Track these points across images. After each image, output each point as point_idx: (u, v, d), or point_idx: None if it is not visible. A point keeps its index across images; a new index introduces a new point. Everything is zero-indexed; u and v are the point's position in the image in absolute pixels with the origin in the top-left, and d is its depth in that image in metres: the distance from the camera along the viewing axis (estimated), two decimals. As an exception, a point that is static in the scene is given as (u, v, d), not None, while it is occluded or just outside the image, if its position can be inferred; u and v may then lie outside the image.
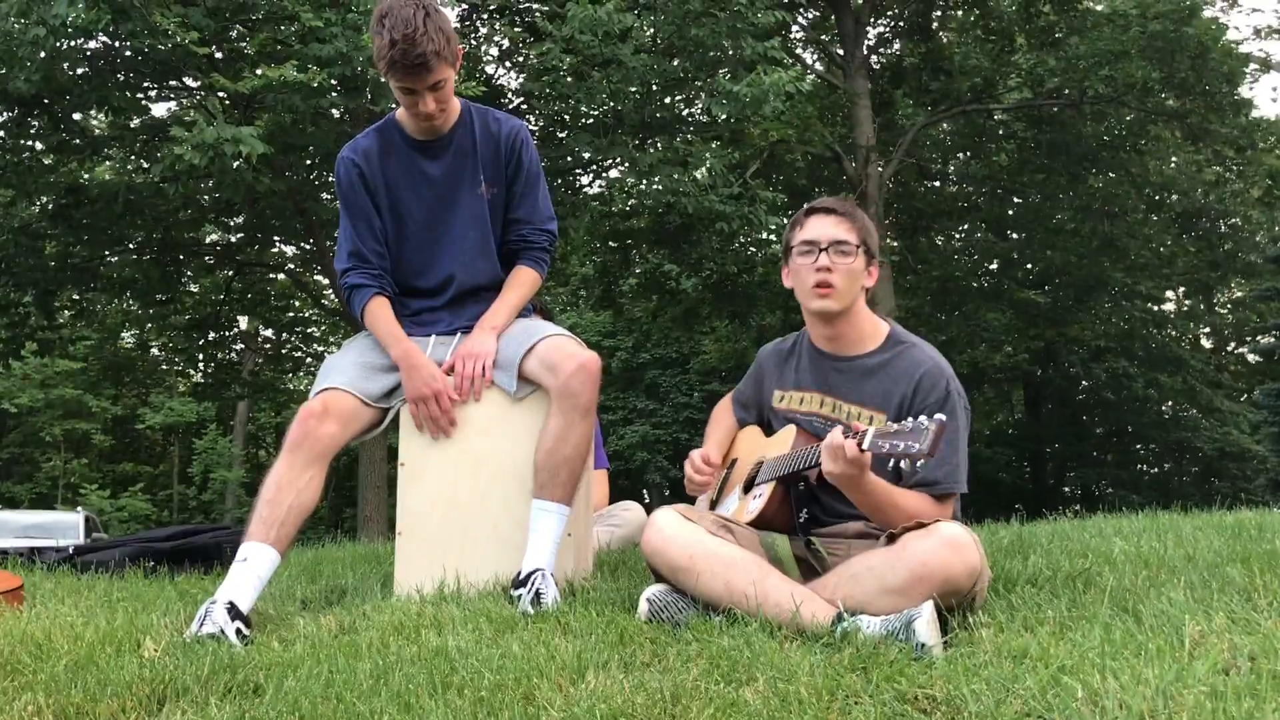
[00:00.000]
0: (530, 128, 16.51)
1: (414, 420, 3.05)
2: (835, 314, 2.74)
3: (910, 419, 2.29)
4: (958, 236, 27.24)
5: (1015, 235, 26.53)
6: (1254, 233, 26.36)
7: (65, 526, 16.30)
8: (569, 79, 13.85)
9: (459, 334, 3.17)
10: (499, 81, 16.62)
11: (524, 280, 3.22)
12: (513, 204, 3.21)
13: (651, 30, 14.21)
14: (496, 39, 16.42)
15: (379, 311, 3.11)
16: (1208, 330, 33.77)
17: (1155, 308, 28.56)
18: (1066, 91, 19.95)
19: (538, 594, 2.67)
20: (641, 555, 2.65)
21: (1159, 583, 2.55)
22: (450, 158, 3.13)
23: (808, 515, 2.73)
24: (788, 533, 2.71)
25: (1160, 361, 26.52)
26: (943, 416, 2.23)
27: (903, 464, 2.25)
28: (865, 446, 2.33)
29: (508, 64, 16.84)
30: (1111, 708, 1.60)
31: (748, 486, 2.83)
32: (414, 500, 3.06)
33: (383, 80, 13.99)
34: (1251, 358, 33.89)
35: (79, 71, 13.28)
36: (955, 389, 2.66)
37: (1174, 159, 23.60)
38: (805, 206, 2.82)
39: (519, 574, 2.80)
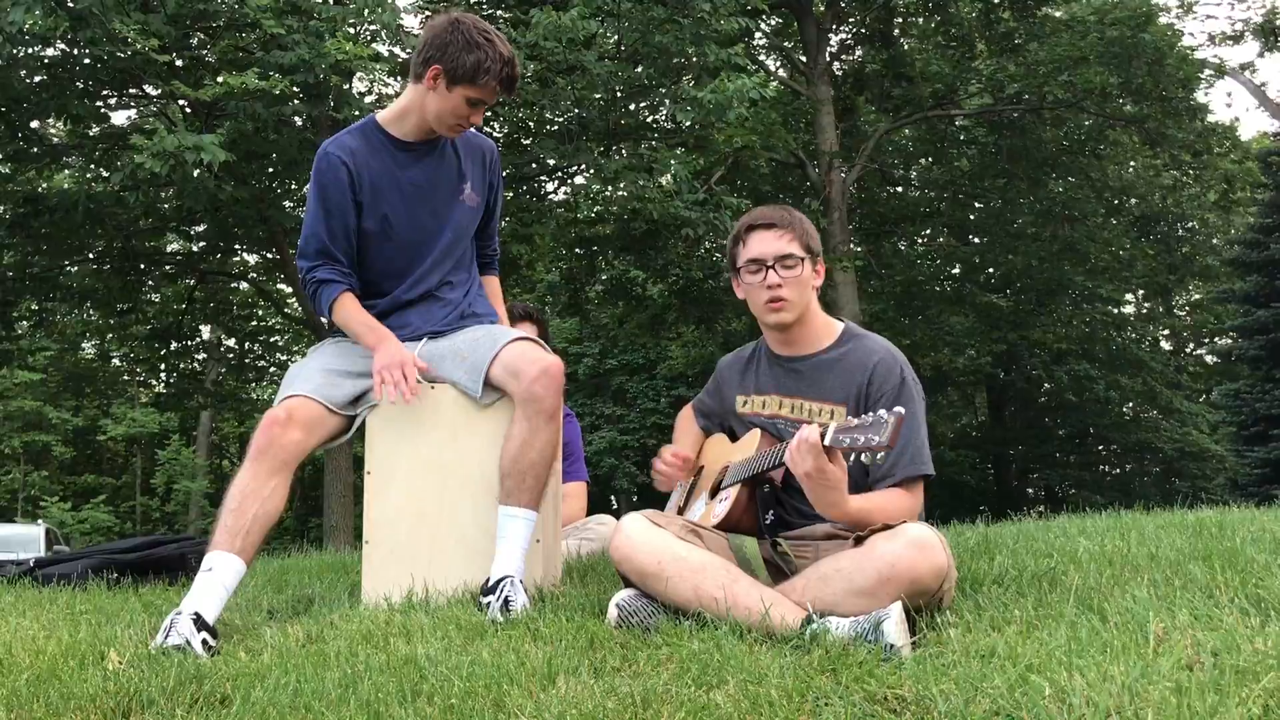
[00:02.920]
0: (495, 134, 16.50)
1: (376, 391, 2.99)
2: (791, 323, 2.79)
3: (869, 414, 2.32)
4: (920, 241, 27.43)
5: (977, 240, 26.75)
6: (1210, 235, 26.76)
7: (26, 540, 16.08)
8: (534, 85, 13.83)
9: (425, 339, 3.16)
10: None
11: (499, 291, 3.49)
12: (490, 220, 3.37)
13: (615, 37, 14.23)
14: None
15: (349, 306, 3.10)
16: (1167, 332, 34.20)
17: (1115, 310, 28.88)
18: (1026, 97, 20.14)
19: (506, 601, 2.66)
20: (610, 561, 2.65)
21: (1123, 581, 2.58)
22: (435, 162, 3.16)
23: (774, 517, 2.75)
24: (755, 535, 2.73)
25: (1121, 363, 26.80)
26: (900, 410, 2.26)
27: (864, 457, 2.28)
28: (828, 442, 2.35)
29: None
30: (1078, 705, 1.62)
31: (714, 491, 2.84)
32: (381, 508, 3.04)
33: (360, 80, 13.93)
34: (1210, 359, 34.33)
35: (36, 79, 13.11)
36: (909, 376, 2.73)
37: (1132, 163, 23.90)
38: (744, 222, 2.87)
39: (488, 581, 2.79)
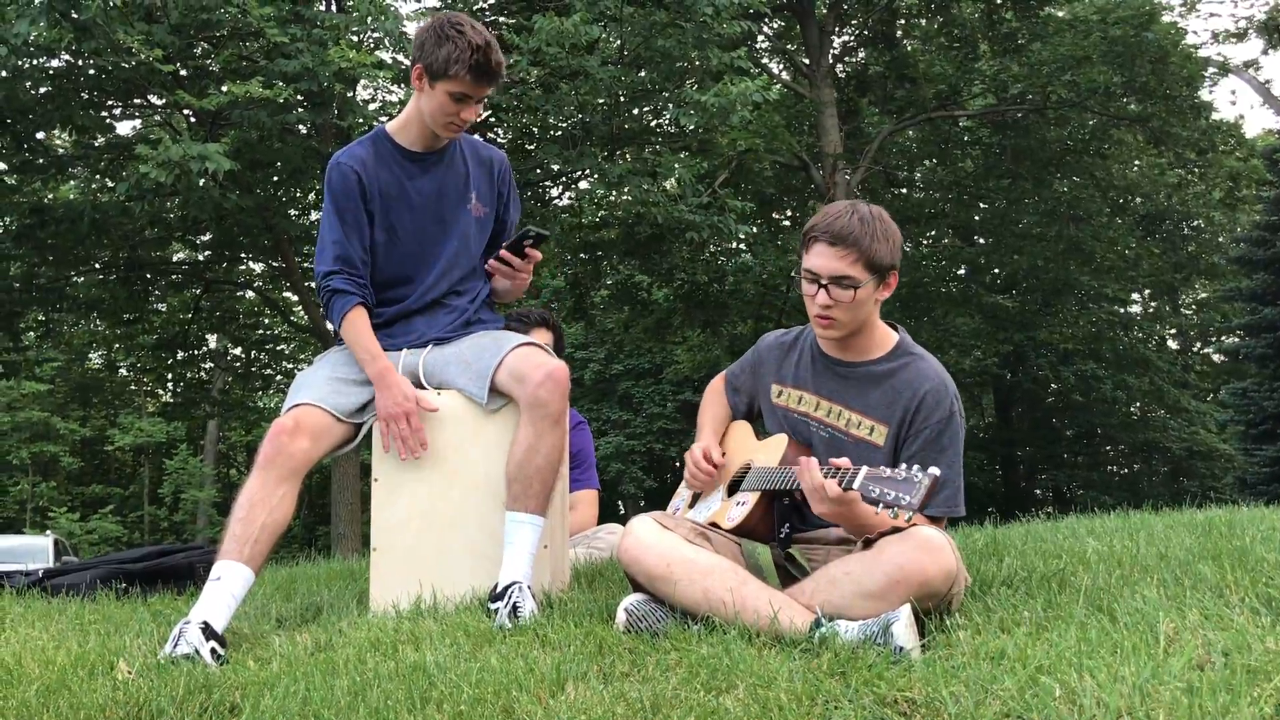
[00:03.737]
0: (499, 140, 16.51)
1: (383, 441, 3.03)
2: (838, 339, 2.70)
3: (905, 466, 2.25)
4: (925, 242, 27.40)
5: (982, 240, 26.73)
6: (1216, 234, 26.69)
7: (34, 550, 16.09)
8: (537, 91, 13.86)
9: (430, 345, 3.16)
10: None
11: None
12: (503, 230, 3.36)
13: (618, 42, 14.26)
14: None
15: (358, 323, 3.09)
16: (1174, 331, 34.13)
17: (1122, 310, 28.83)
18: (1030, 97, 20.13)
19: (515, 607, 2.66)
20: (619, 565, 2.65)
21: (1133, 581, 2.57)
22: (443, 172, 3.18)
23: (790, 529, 2.72)
24: (767, 542, 2.71)
25: (1128, 363, 26.75)
26: (936, 471, 2.20)
27: (888, 512, 2.23)
28: (855, 487, 2.29)
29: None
30: (1089, 706, 1.61)
31: (732, 489, 2.82)
32: (388, 516, 3.04)
33: (363, 89, 13.94)
34: (1217, 357, 34.27)
35: (42, 90, 13.17)
36: (958, 410, 2.65)
37: (1137, 162, 23.88)
38: (814, 223, 2.63)
39: (496, 587, 2.78)
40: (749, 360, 3.01)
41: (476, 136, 3.34)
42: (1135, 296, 31.25)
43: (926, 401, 2.62)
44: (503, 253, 3.24)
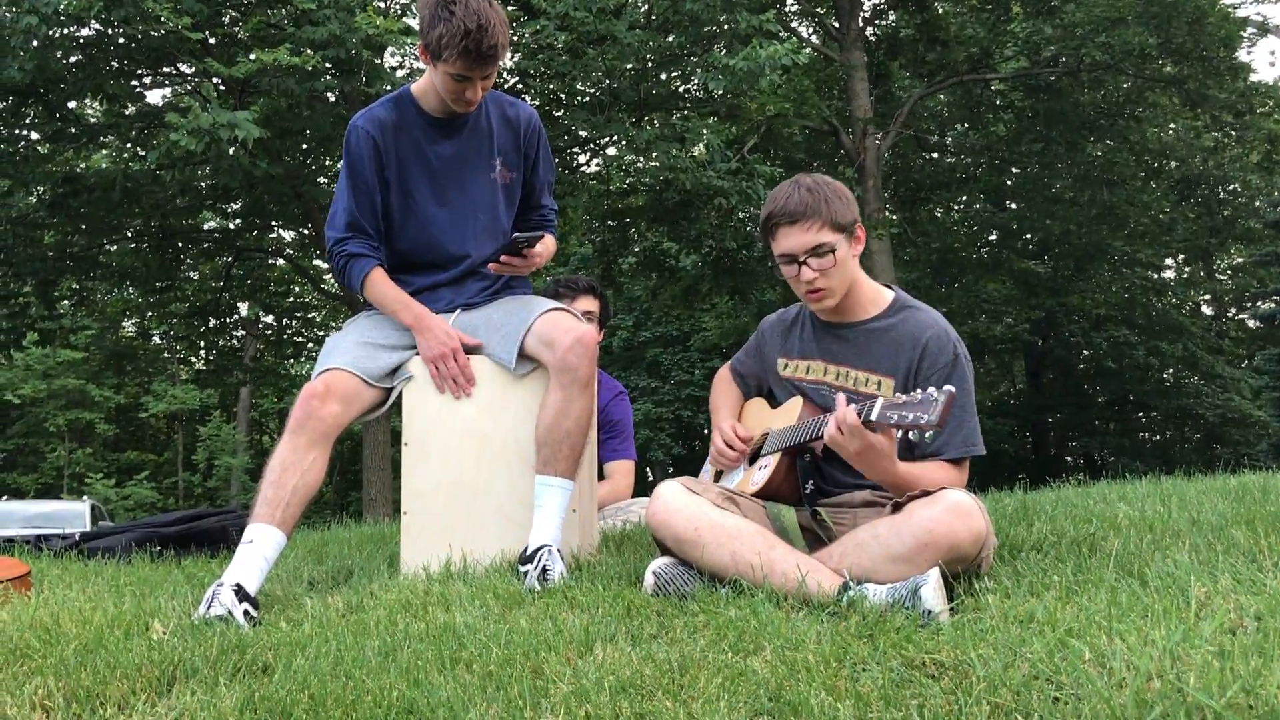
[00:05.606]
0: (526, 107, 16.58)
1: (434, 382, 3.04)
2: (835, 306, 2.74)
3: (919, 390, 2.29)
4: (956, 208, 27.16)
5: (1014, 205, 26.46)
6: (1253, 198, 26.30)
7: (72, 515, 16.34)
8: (564, 57, 13.78)
9: (459, 310, 3.17)
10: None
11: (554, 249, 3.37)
12: (537, 191, 3.32)
13: (645, 6, 14.15)
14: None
15: (381, 281, 3.11)
16: (1208, 297, 33.75)
17: (1155, 275, 28.54)
18: (1063, 60, 19.83)
19: (544, 570, 2.67)
20: (647, 529, 2.66)
21: (1164, 546, 2.55)
22: (465, 138, 3.14)
23: (813, 486, 2.73)
24: (792, 503, 2.72)
25: (1161, 329, 26.50)
26: (951, 388, 2.23)
27: (911, 434, 2.25)
28: (874, 418, 2.32)
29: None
30: (1119, 669, 1.61)
31: (753, 458, 2.83)
32: (419, 480, 3.07)
33: (390, 56, 13.94)
34: (1252, 323, 33.90)
35: (72, 59, 13.24)
36: (962, 353, 2.68)
37: (1172, 125, 23.49)
38: (767, 213, 2.71)
39: (525, 550, 2.80)
40: (752, 344, 3.07)
41: (505, 94, 3.28)
42: (1169, 261, 30.88)
43: (930, 348, 2.65)
44: (503, 257, 3.14)
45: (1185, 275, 32.65)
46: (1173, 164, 23.98)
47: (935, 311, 2.76)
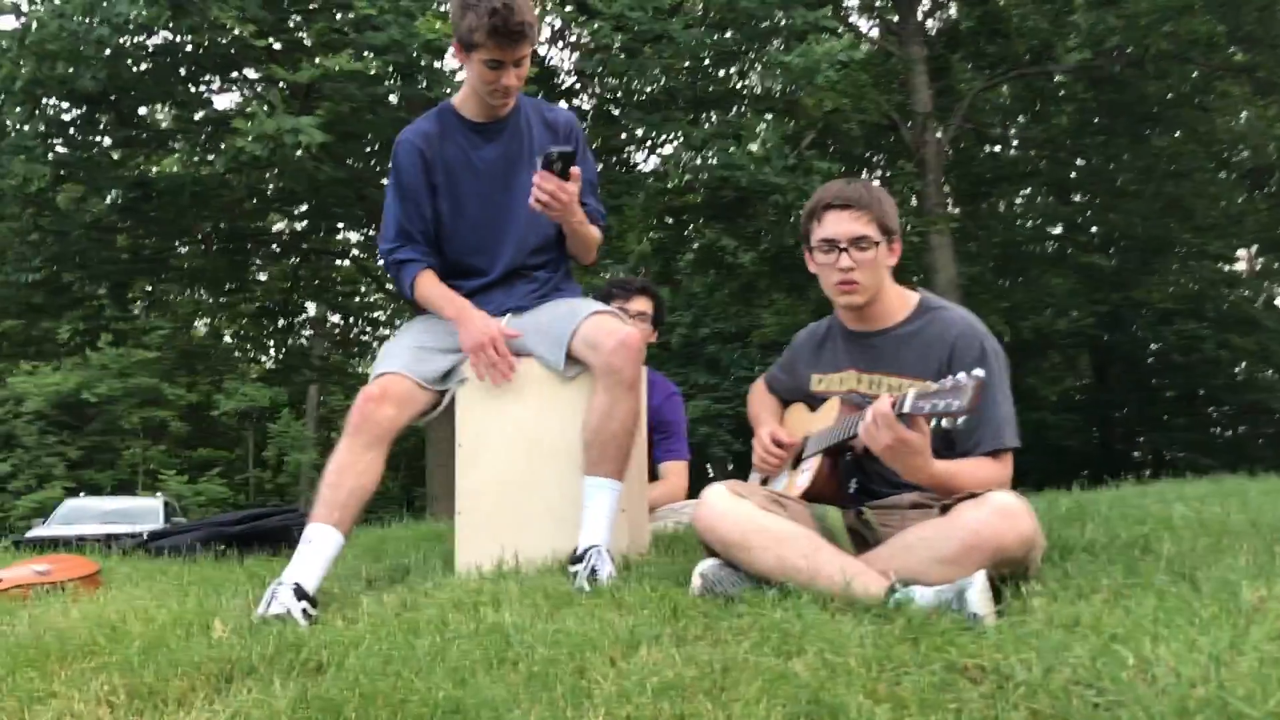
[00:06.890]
0: (583, 107, 16.51)
1: (475, 372, 3.10)
2: (862, 305, 2.77)
3: (949, 377, 2.29)
4: (1019, 201, 26.76)
5: (1078, 198, 26.00)
6: (1330, 188, 25.58)
7: (146, 512, 16.77)
8: (621, 56, 13.81)
9: (509, 314, 3.22)
10: (551, 63, 16.63)
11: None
12: (581, 190, 3.27)
13: (701, 4, 14.12)
14: (548, 20, 16.42)
15: (429, 282, 3.18)
16: (1283, 289, 32.86)
17: (1225, 268, 27.85)
18: (1128, 50, 19.43)
19: (593, 570, 2.70)
20: (694, 532, 2.68)
21: (1219, 549, 2.52)
22: (507, 141, 3.19)
23: (857, 485, 2.73)
24: (839, 505, 2.72)
25: (1231, 322, 25.86)
26: (980, 372, 2.23)
27: (944, 422, 2.26)
28: (907, 409, 2.33)
29: (560, 44, 16.84)
30: (1162, 675, 1.60)
31: (795, 462, 2.84)
32: (471, 481, 3.12)
33: (451, 59, 14.09)
34: (1330, 317, 32.91)
35: (142, 67, 13.53)
36: (991, 346, 2.67)
37: (1243, 114, 22.92)
38: (820, 197, 2.77)
39: (575, 550, 2.84)
40: (786, 359, 3.11)
41: (543, 99, 3.32)
42: (1240, 254, 30.12)
43: (958, 346, 2.65)
44: (538, 183, 2.99)
45: (1258, 268, 31.84)
46: (1244, 154, 23.39)
47: (963, 309, 2.78)
